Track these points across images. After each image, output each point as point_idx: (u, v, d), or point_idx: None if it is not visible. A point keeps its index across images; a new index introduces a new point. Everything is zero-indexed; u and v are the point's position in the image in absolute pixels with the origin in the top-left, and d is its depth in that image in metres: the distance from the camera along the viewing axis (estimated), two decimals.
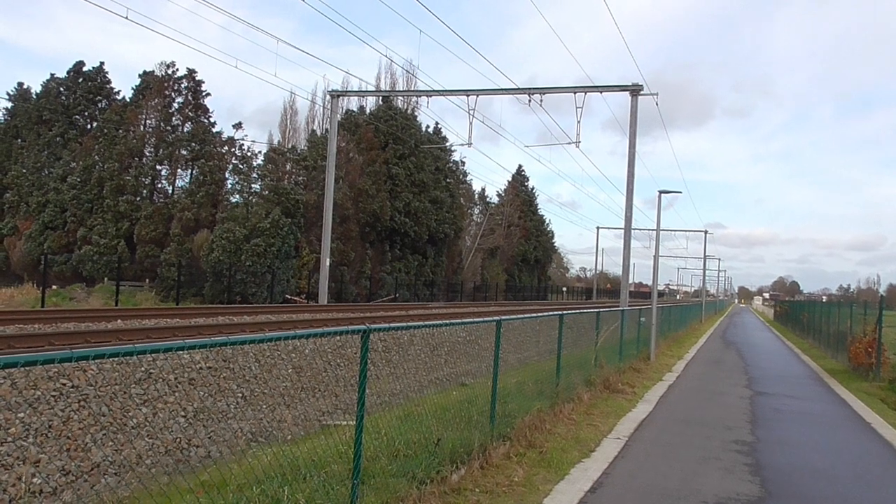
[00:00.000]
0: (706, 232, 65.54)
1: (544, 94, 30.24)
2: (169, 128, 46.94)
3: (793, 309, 49.96)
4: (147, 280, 42.02)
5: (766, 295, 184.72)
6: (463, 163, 65.21)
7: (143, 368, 9.32)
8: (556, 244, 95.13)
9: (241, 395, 10.39)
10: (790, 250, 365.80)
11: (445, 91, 31.85)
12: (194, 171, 45.25)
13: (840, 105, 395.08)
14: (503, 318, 8.85)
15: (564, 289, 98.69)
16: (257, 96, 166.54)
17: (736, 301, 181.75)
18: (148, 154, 46.56)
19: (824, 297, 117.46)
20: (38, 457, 7.22)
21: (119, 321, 15.48)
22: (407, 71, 54.95)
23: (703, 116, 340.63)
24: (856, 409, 12.97)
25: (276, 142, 52.32)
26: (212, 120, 48.44)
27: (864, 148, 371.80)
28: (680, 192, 23.66)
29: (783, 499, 6.91)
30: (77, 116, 50.11)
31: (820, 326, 29.57)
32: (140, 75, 48.88)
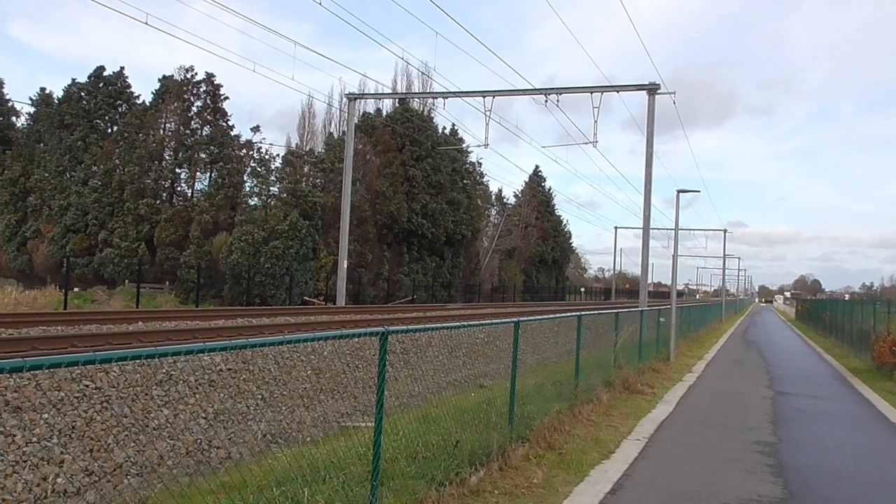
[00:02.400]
0: (725, 231, 65.04)
1: (561, 94, 30.15)
2: (188, 131, 47.30)
3: (814, 308, 49.44)
4: (167, 282, 42.39)
5: (787, 294, 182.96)
6: (480, 164, 65.26)
7: (164, 370, 9.40)
8: (573, 244, 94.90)
9: (260, 396, 10.45)
10: (812, 248, 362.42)
11: (461, 92, 31.87)
12: (213, 175, 45.58)
13: (862, 101, 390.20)
14: (521, 319, 8.83)
15: (583, 289, 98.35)
16: (277, 100, 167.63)
17: (756, 300, 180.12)
18: (167, 157, 46.95)
19: (847, 296, 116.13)
20: (62, 457, 7.30)
21: (140, 323, 15.63)
22: (423, 73, 55.11)
23: (725, 115, 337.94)
24: (880, 409, 12.81)
25: (293, 144, 52.61)
26: (230, 123, 48.79)
27: (887, 145, 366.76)
28: (699, 192, 23.67)
29: (806, 500, 6.84)
30: (98, 121, 50.63)
31: (842, 325, 29.24)
32: (159, 80, 49.35)
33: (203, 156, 46.48)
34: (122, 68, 52.60)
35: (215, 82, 48.17)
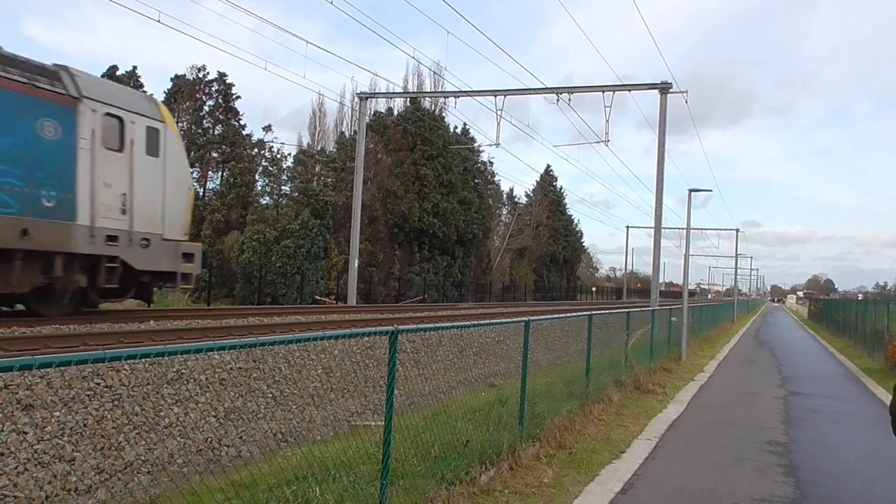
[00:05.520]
0: (737, 230, 64.72)
1: (572, 93, 30.06)
2: (200, 130, 47.50)
3: (827, 307, 49.09)
4: None
5: (800, 293, 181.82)
6: (491, 163, 65.20)
7: (174, 369, 9.43)
8: (585, 244, 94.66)
9: (271, 395, 10.47)
10: (827, 248, 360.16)
11: (473, 92, 31.83)
12: (225, 174, 45.76)
13: (880, 100, 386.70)
14: (532, 318, 8.81)
15: (594, 289, 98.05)
16: (291, 99, 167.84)
17: (769, 300, 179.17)
18: None
19: (860, 296, 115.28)
20: (74, 455, 7.34)
21: (152, 322, 15.67)
22: (434, 72, 55.09)
23: (742, 114, 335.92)
24: None
25: (305, 144, 52.69)
26: (242, 122, 48.96)
27: None
28: (710, 191, 23.58)
29: (818, 501, 6.78)
30: None
31: (856, 325, 29.02)
32: (172, 79, 49.54)
33: (215, 155, 46.67)
34: (135, 67, 52.77)
35: (227, 81, 48.38)
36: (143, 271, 15.75)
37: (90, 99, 14.29)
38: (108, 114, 14.70)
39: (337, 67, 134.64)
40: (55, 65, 14.27)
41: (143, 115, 15.72)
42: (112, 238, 14.73)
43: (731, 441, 9.31)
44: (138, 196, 15.39)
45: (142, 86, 52.47)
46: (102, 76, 51.68)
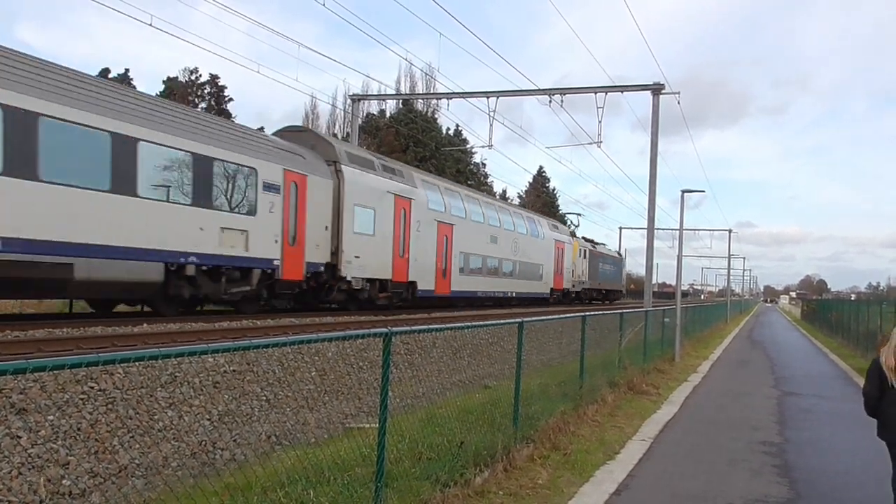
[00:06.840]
0: (730, 231, 64.95)
1: (564, 94, 30.08)
2: None
3: (820, 308, 49.27)
4: None
5: (793, 294, 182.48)
6: (484, 164, 65.25)
7: (168, 372, 9.39)
8: None
9: (265, 398, 10.45)
10: (822, 248, 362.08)
11: (465, 93, 31.81)
12: None
13: (876, 100, 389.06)
14: (525, 319, 8.82)
15: None
16: (284, 101, 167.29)
17: (762, 300, 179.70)
18: None
19: (853, 296, 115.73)
20: (67, 459, 7.31)
21: (145, 325, 15.64)
22: (426, 74, 55.08)
23: (739, 114, 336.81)
24: None
25: None
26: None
27: None
28: (703, 191, 23.82)
29: (813, 500, 6.82)
30: None
31: (849, 325, 29.14)
32: (164, 81, 49.47)
33: None
34: (127, 70, 52.75)
35: (219, 83, 48.31)
36: None
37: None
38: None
39: (329, 70, 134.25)
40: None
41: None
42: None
43: (725, 442, 9.35)
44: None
45: (134, 88, 52.36)
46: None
